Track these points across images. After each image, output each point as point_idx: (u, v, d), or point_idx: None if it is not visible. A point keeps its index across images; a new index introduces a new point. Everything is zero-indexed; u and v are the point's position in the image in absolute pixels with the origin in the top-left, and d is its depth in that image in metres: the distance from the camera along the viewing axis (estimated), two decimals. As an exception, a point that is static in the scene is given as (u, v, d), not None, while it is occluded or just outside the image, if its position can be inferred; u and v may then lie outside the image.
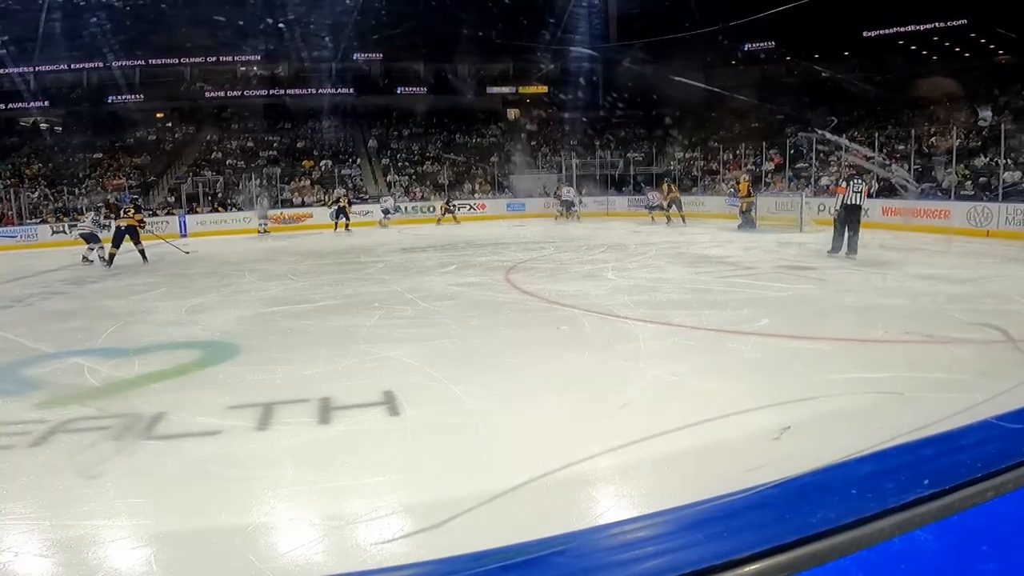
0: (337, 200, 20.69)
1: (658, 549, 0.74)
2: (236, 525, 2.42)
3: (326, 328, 5.87)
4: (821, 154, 20.85)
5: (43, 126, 31.30)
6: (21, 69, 30.01)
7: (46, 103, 30.96)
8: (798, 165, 21.85)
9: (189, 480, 2.88)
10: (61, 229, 21.87)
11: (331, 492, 2.73)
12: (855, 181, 9.87)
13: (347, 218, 19.72)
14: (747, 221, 15.07)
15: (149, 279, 10.19)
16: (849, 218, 9.61)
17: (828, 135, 19.50)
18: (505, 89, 34.49)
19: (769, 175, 22.08)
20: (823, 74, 27.86)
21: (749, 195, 15.32)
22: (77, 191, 25.99)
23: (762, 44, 29.96)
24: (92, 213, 13.29)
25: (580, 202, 22.15)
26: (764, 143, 23.49)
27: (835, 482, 0.87)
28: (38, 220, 22.73)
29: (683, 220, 17.47)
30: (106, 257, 11.89)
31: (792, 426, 3.13)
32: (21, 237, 19.78)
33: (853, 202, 9.59)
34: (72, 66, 30.25)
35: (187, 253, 13.18)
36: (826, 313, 6.05)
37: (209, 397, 3.91)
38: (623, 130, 31.87)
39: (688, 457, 2.93)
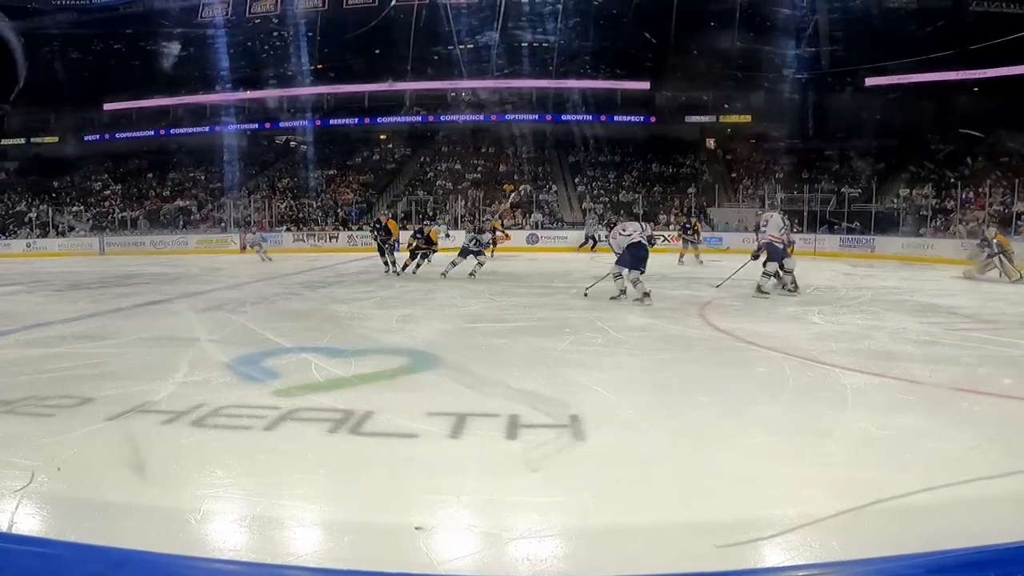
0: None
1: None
2: (421, 524, 2.57)
3: (519, 348, 6.09)
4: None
5: (291, 144, 36.33)
6: (278, 92, 35.10)
7: (294, 123, 35.52)
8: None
9: (386, 477, 3.13)
10: (301, 238, 25.11)
11: (509, 505, 2.82)
12: None
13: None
14: (987, 268, 13.01)
15: (367, 288, 11.37)
16: None
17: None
18: (705, 118, 33.45)
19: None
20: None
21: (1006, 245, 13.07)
22: (314, 204, 29.73)
23: (1011, 68, 26.05)
24: None
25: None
26: (1017, 180, 20.40)
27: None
28: (283, 228, 26.22)
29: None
30: None
31: None
32: (270, 242, 23.00)
33: None
34: (311, 90, 34.46)
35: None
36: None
37: (411, 402, 4.21)
38: (837, 163, 29.34)
39: (892, 518, 2.63)
